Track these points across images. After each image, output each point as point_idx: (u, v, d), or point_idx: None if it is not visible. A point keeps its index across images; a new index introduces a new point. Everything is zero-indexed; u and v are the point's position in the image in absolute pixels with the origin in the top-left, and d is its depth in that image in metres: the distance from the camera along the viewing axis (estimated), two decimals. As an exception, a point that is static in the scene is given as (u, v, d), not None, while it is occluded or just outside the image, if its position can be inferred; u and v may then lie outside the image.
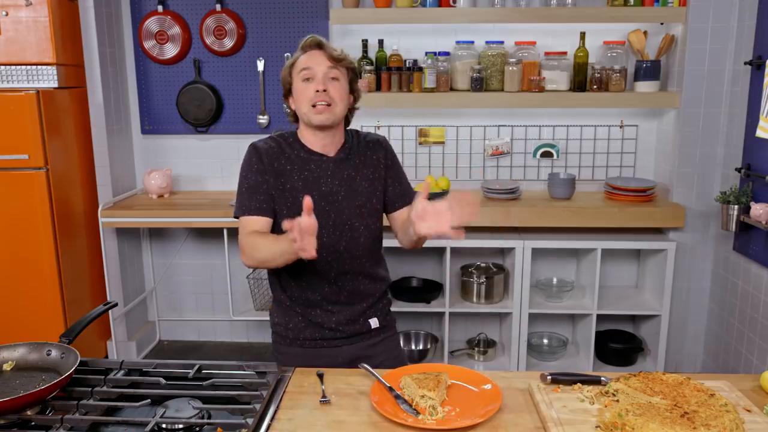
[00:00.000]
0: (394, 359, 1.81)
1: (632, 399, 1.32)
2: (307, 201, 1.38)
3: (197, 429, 1.29)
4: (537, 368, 3.20)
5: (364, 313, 1.78)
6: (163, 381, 1.47)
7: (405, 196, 1.81)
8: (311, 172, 1.71)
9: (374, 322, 1.79)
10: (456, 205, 1.41)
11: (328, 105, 1.66)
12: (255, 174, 1.70)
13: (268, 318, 3.44)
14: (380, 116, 3.38)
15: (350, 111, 1.77)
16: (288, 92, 1.75)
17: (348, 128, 1.81)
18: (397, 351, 1.87)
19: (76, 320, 1.57)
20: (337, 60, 1.68)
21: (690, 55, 3.00)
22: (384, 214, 1.84)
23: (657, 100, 3.13)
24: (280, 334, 1.79)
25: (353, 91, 1.76)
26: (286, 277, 1.74)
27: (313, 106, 1.66)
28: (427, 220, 1.43)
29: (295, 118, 1.77)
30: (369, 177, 1.76)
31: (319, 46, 1.69)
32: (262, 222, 1.68)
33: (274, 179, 1.69)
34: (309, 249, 1.38)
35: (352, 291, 1.75)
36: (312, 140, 1.73)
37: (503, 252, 3.39)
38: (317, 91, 1.65)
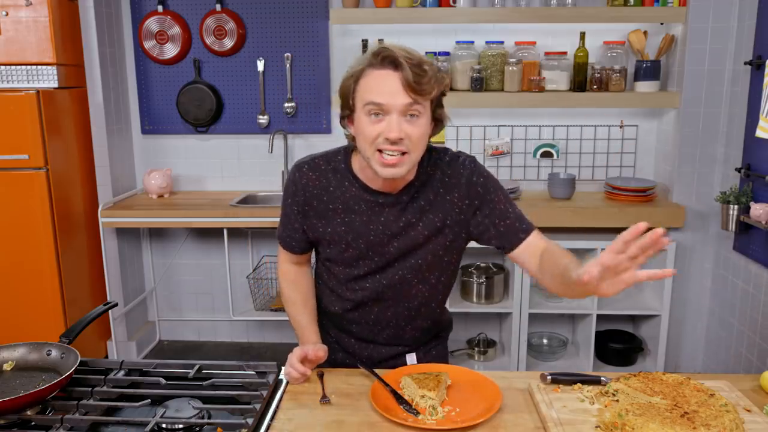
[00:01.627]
0: None
1: (632, 399, 1.32)
2: (319, 354, 1.41)
3: (197, 429, 1.29)
4: (537, 368, 3.20)
5: (401, 351, 1.59)
6: (163, 381, 1.47)
7: (515, 233, 1.41)
8: (359, 214, 1.40)
9: (411, 359, 1.58)
10: (632, 251, 1.04)
11: (402, 156, 1.28)
12: (290, 208, 1.49)
13: (268, 318, 3.47)
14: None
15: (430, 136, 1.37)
16: (345, 113, 1.36)
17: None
18: None
19: (76, 320, 1.57)
20: (421, 93, 1.24)
21: (690, 55, 3.00)
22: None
23: (657, 100, 3.13)
24: None
25: (436, 117, 1.34)
26: (327, 298, 1.60)
27: (378, 151, 1.28)
28: (604, 281, 1.08)
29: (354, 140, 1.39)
30: (435, 225, 1.40)
31: (396, 64, 1.23)
32: (293, 257, 1.59)
33: (312, 220, 1.46)
34: (294, 380, 1.43)
35: (393, 337, 1.56)
36: (370, 177, 1.39)
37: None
38: (391, 139, 1.25)
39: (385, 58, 1.25)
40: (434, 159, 1.43)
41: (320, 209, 1.44)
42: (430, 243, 1.42)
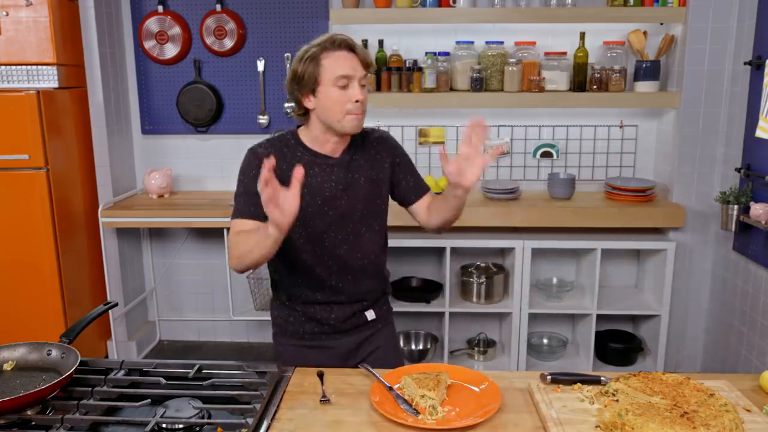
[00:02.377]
0: (391, 347, 1.89)
1: (632, 399, 1.32)
2: (299, 171, 1.41)
3: (197, 429, 1.29)
4: (537, 368, 3.20)
5: (362, 309, 1.81)
6: (163, 381, 1.47)
7: (421, 187, 1.83)
8: (314, 176, 1.68)
9: (370, 314, 1.82)
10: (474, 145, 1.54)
11: (361, 113, 1.64)
12: (252, 180, 1.65)
13: (268, 318, 3.45)
14: (380, 116, 3.38)
15: None
16: (307, 90, 1.63)
17: None
18: (393, 338, 1.91)
19: (76, 320, 1.57)
20: (369, 66, 1.66)
21: (690, 55, 3.00)
22: (405, 208, 1.86)
23: (657, 100, 3.13)
24: (281, 326, 1.83)
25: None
26: (287, 279, 1.76)
27: (347, 113, 1.62)
28: (465, 171, 1.55)
29: (304, 116, 1.70)
30: (372, 178, 1.75)
31: (352, 48, 1.62)
32: (251, 224, 1.65)
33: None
34: (281, 221, 1.40)
35: (351, 292, 1.77)
36: (321, 142, 1.70)
37: (503, 252, 3.39)
38: (357, 101, 1.61)
39: (341, 43, 1.61)
40: (363, 131, 1.77)
41: (280, 176, 1.55)
42: (370, 193, 1.75)
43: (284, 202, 1.39)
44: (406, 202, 1.84)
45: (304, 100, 1.65)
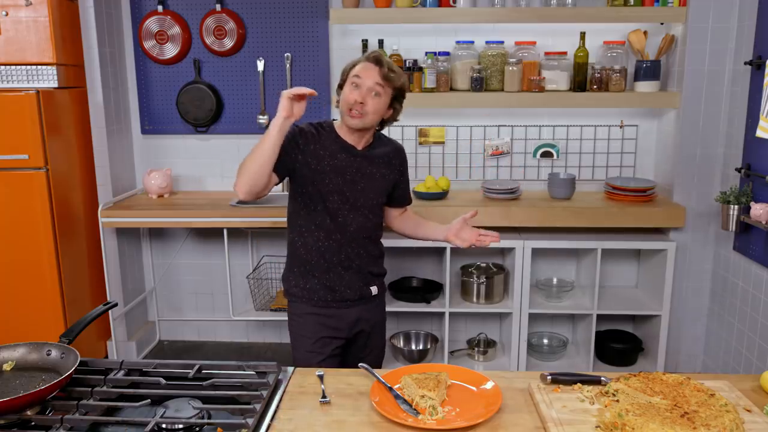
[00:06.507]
0: (383, 320, 2.21)
1: (632, 399, 1.32)
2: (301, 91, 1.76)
3: (197, 429, 1.29)
4: (537, 368, 3.20)
5: (367, 282, 2.08)
6: (163, 381, 1.47)
7: (405, 198, 2.21)
8: (340, 160, 1.98)
9: (374, 290, 2.11)
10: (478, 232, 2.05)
11: (360, 114, 1.91)
12: (287, 142, 1.90)
13: (268, 318, 3.48)
14: (380, 116, 3.37)
15: (386, 121, 2.03)
16: (340, 85, 2.01)
17: (377, 131, 2.08)
18: (384, 312, 2.23)
19: (76, 320, 1.57)
20: (387, 80, 1.92)
21: (690, 55, 3.00)
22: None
23: (657, 100, 3.13)
24: (297, 295, 2.05)
25: (393, 107, 2.00)
26: (309, 244, 2.01)
27: (349, 109, 1.91)
28: (461, 237, 2.05)
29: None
30: (385, 176, 2.06)
31: (378, 62, 1.93)
32: None
33: (306, 158, 1.95)
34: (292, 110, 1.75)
35: (358, 263, 2.04)
36: (346, 133, 2.00)
37: (503, 252, 3.39)
38: (356, 101, 1.90)
39: (372, 57, 1.95)
40: (385, 138, 2.14)
41: (315, 151, 1.96)
42: (382, 187, 2.06)
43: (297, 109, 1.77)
44: (391, 204, 2.18)
45: (339, 93, 2.00)
